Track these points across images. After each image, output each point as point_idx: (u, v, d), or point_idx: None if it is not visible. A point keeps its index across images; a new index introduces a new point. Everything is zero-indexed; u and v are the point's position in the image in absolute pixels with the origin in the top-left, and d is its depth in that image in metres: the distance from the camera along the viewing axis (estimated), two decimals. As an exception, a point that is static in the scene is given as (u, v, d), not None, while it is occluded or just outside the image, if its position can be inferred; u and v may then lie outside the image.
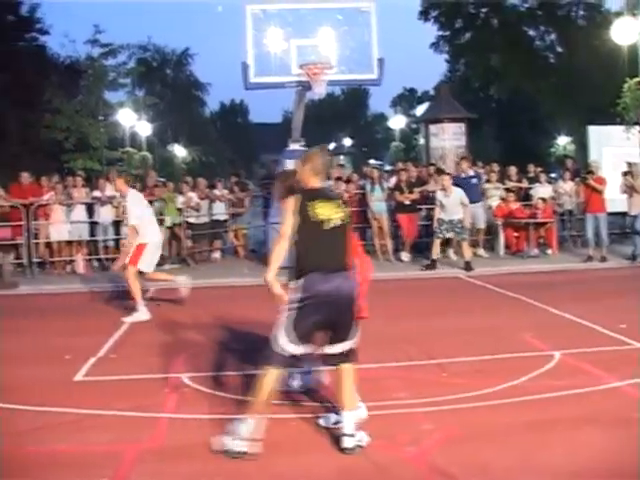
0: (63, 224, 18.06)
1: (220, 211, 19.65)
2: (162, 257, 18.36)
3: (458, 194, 16.55)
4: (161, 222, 18.21)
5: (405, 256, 18.08)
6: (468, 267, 16.34)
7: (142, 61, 57.34)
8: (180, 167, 54.81)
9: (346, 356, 6.02)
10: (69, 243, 18.30)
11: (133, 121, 39.90)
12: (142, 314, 11.66)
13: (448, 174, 17.75)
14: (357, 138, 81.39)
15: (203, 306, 12.74)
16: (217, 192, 19.80)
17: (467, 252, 16.68)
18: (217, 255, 19.69)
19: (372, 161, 55.92)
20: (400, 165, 20.96)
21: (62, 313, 12.56)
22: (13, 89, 34.25)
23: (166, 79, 66.09)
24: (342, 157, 62.48)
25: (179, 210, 18.79)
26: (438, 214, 16.67)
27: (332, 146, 77.55)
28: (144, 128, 43.95)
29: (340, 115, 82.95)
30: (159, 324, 11.07)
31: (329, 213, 5.92)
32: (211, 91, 72.35)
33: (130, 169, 34.24)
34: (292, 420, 6.57)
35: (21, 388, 7.70)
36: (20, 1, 39.53)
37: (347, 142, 78.61)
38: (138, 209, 12.03)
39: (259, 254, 19.15)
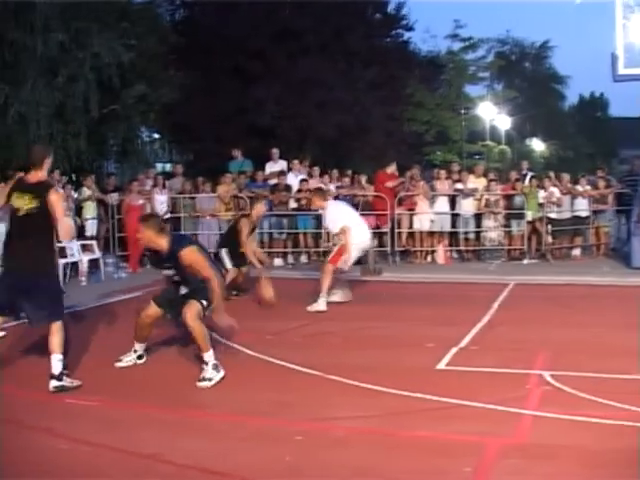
0: (426, 215, 18.47)
1: (582, 207, 19.08)
2: (521, 252, 18.38)
3: None
4: (522, 216, 18.17)
5: None
6: None
7: (501, 54, 57.20)
8: (538, 161, 54.07)
9: None
10: (431, 234, 18.68)
11: (493, 115, 40.12)
12: (321, 305, 12.01)
13: None
14: None
15: (561, 304, 12.48)
16: (579, 187, 19.24)
17: None
18: (577, 252, 19.16)
19: None
20: None
21: (423, 302, 12.82)
22: (379, 84, 35.49)
23: (525, 72, 65.31)
24: None
25: (540, 205, 18.52)
26: None
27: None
28: (503, 122, 44.01)
29: None
30: (520, 318, 10.99)
31: None
32: (570, 84, 70.50)
33: (489, 162, 34.42)
34: None
35: (387, 372, 7.96)
36: (387, 0, 40.85)
37: None
38: (339, 217, 12.55)
39: (620, 252, 18.45)
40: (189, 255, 7.77)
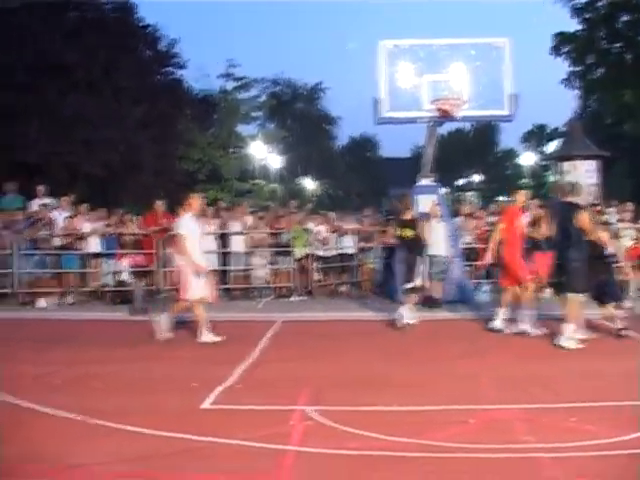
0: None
1: (349, 244, 19.62)
2: (289, 289, 18.63)
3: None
4: (289, 254, 18.46)
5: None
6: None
7: (274, 95, 58.24)
8: (309, 200, 55.26)
9: None
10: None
11: (264, 154, 40.56)
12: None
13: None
14: (486, 174, 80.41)
15: (326, 339, 12.72)
16: (346, 225, 19.78)
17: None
18: (344, 288, 19.65)
19: (501, 198, 55.27)
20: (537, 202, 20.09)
21: (191, 341, 12.72)
22: (149, 122, 35.17)
23: (297, 112, 66.73)
24: (471, 193, 62.05)
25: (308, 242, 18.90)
26: None
27: (461, 182, 77.08)
28: (274, 161, 44.62)
29: (469, 151, 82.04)
30: (286, 355, 11.09)
31: None
32: (341, 125, 72.58)
33: (260, 201, 34.77)
34: None
35: (150, 414, 7.81)
36: (159, 37, 40.61)
37: (476, 178, 77.91)
38: None
39: (383, 289, 19.04)
40: None
